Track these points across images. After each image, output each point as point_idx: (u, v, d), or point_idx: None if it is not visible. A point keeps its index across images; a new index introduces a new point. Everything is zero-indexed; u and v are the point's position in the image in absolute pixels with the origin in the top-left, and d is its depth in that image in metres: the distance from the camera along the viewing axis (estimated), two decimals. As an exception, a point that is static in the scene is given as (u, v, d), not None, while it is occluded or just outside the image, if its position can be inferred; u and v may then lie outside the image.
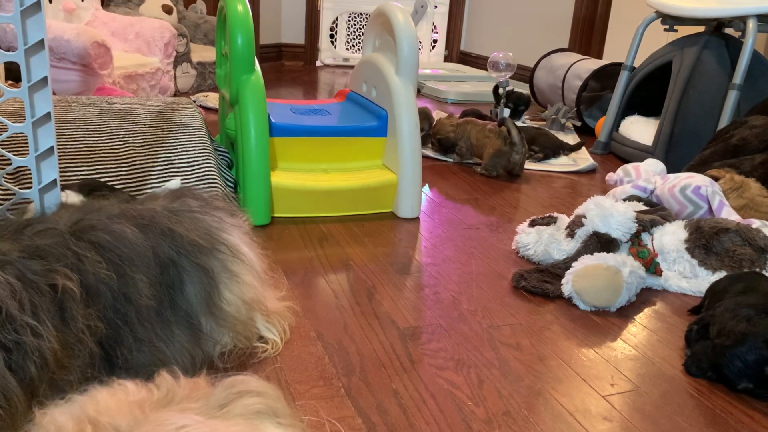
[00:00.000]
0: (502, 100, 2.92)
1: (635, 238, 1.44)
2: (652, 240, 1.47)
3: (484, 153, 2.20)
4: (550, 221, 1.54)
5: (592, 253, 1.38)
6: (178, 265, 0.93)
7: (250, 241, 1.05)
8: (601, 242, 1.40)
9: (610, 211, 1.42)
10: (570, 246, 1.45)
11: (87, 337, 0.78)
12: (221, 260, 0.98)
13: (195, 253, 0.95)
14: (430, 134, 2.42)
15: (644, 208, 1.61)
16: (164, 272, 0.91)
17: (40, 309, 0.74)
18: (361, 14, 4.62)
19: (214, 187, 1.57)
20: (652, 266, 1.40)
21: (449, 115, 2.39)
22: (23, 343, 0.72)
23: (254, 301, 1.03)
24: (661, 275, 1.42)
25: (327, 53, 4.67)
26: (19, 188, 1.13)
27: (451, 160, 2.35)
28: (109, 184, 1.44)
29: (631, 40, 2.59)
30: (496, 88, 2.95)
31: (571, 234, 1.46)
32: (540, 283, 1.36)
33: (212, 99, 2.93)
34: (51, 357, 0.74)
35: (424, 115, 2.42)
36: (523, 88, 3.13)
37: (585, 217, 1.44)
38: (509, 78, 2.94)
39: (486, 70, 4.47)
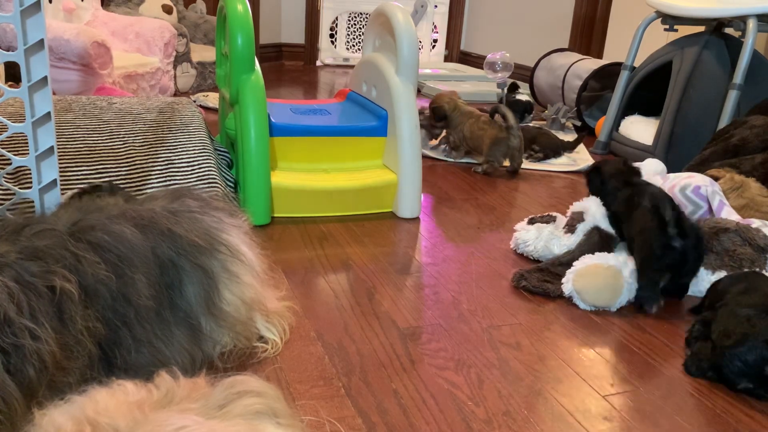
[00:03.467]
0: (503, 102, 2.92)
1: None
2: None
3: (481, 145, 2.20)
4: (549, 219, 1.54)
5: (593, 247, 1.39)
6: (177, 265, 0.92)
7: (249, 242, 1.05)
8: (602, 237, 1.41)
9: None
10: (571, 241, 1.45)
11: (86, 339, 0.78)
12: (221, 260, 0.98)
13: (194, 253, 0.94)
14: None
15: None
16: (164, 273, 0.91)
17: (38, 311, 0.74)
18: (361, 14, 4.62)
19: (214, 187, 1.57)
20: None
21: (452, 91, 2.39)
22: (22, 346, 0.72)
23: (254, 302, 1.03)
24: None
25: (327, 53, 4.66)
26: (19, 188, 1.13)
27: (452, 159, 2.35)
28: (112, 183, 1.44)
29: (631, 40, 2.58)
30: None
31: (571, 229, 1.46)
32: (540, 282, 1.36)
33: (212, 99, 2.93)
34: (50, 359, 0.73)
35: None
36: (525, 92, 3.10)
37: (585, 212, 1.46)
38: (508, 78, 2.94)
39: (486, 69, 4.47)
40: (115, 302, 0.83)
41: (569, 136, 2.74)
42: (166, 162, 1.58)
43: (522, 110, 2.92)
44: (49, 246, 0.80)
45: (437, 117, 2.31)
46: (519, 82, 3.10)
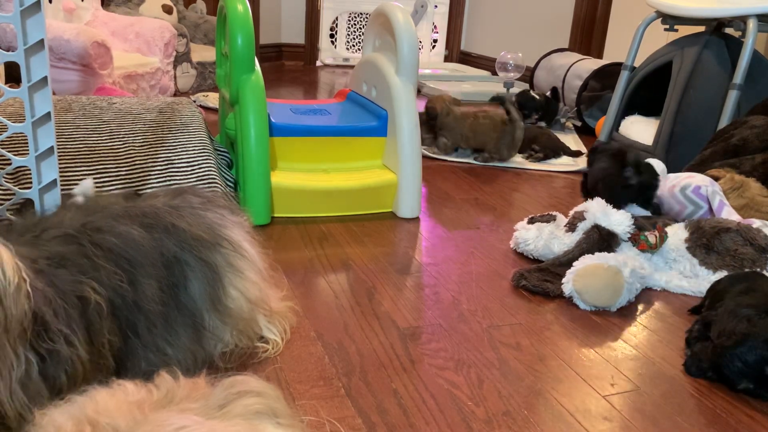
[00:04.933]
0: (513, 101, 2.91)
1: (636, 236, 1.45)
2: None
3: (488, 140, 2.24)
4: (549, 219, 1.54)
5: (593, 245, 1.39)
6: (181, 261, 0.92)
7: (251, 239, 1.05)
8: (602, 235, 1.41)
9: (611, 209, 1.44)
10: (571, 239, 1.46)
11: (107, 352, 0.77)
12: (224, 255, 0.97)
13: (198, 247, 0.94)
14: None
15: (644, 212, 1.63)
16: (170, 272, 0.90)
17: (72, 319, 0.72)
18: (361, 14, 4.62)
19: (214, 187, 1.57)
20: (665, 237, 1.45)
21: (455, 99, 2.39)
22: (57, 352, 0.70)
23: (257, 299, 1.03)
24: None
25: (327, 53, 4.66)
26: (19, 188, 1.13)
27: (443, 156, 2.35)
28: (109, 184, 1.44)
29: (631, 40, 2.58)
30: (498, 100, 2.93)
31: (572, 228, 1.47)
32: (540, 282, 1.36)
33: (212, 99, 2.92)
34: (80, 368, 0.72)
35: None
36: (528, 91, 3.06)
37: (586, 211, 1.46)
38: (516, 80, 2.92)
39: (486, 69, 4.47)
40: (129, 312, 0.82)
41: (569, 137, 2.74)
42: (166, 162, 1.58)
43: (534, 110, 2.91)
44: (70, 252, 0.78)
45: (429, 115, 2.34)
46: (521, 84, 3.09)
